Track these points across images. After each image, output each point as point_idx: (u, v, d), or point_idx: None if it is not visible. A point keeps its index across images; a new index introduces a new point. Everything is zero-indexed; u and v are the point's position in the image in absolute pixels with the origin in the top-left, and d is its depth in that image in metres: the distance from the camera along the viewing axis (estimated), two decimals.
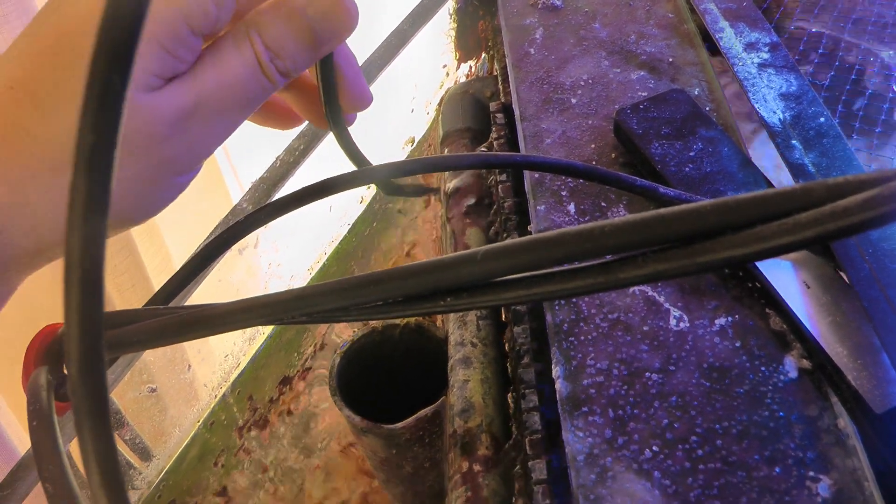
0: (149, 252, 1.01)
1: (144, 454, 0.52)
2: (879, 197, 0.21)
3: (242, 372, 0.60)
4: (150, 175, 0.33)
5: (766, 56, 0.56)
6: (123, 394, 0.48)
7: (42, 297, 0.77)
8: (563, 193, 0.50)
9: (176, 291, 0.38)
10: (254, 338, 0.62)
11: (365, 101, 0.41)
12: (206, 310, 0.30)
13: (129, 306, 0.88)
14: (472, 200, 0.60)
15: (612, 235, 0.24)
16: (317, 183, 0.39)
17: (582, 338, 0.43)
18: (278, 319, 0.29)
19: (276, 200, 0.39)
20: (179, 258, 1.11)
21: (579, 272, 0.26)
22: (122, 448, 0.52)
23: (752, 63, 0.55)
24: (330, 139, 0.61)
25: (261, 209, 0.38)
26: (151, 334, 0.31)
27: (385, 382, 0.60)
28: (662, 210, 0.24)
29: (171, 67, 0.32)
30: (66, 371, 0.39)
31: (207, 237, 0.53)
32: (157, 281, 1.00)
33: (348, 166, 0.50)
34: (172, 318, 0.30)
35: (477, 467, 0.46)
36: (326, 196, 0.39)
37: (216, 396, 0.57)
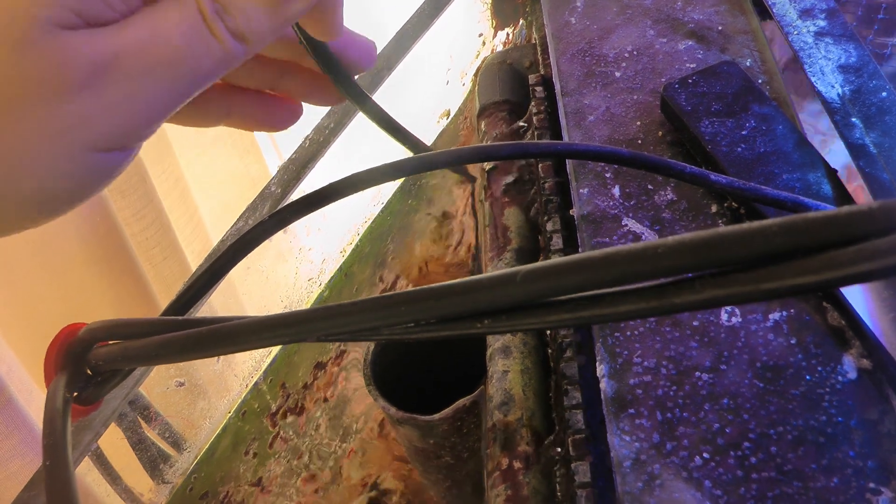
0: (180, 222, 1.00)
1: (176, 447, 0.51)
2: None
3: (275, 359, 0.58)
4: (59, 137, 0.27)
5: (822, 24, 0.53)
6: (151, 389, 0.47)
7: (76, 290, 0.76)
8: (608, 175, 0.48)
9: (196, 297, 0.36)
10: None
11: (370, 54, 0.37)
12: (225, 327, 0.28)
13: (162, 280, 0.88)
14: (510, 178, 0.57)
15: (666, 257, 0.22)
16: (344, 178, 0.37)
17: (628, 333, 0.41)
18: (303, 338, 0.27)
19: (301, 199, 0.37)
20: (213, 227, 1.10)
21: (630, 295, 0.23)
22: (156, 439, 0.51)
23: (808, 32, 0.52)
24: (360, 117, 0.59)
25: (286, 208, 0.37)
26: (170, 349, 0.30)
27: (421, 368, 0.58)
28: (723, 229, 0.22)
29: (96, 9, 0.27)
30: (88, 372, 0.38)
31: (234, 222, 0.51)
32: (190, 251, 0.99)
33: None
34: (191, 334, 0.29)
35: (517, 464, 0.44)
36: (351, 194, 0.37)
37: (247, 386, 0.56)
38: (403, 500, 0.65)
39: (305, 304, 0.62)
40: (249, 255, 0.42)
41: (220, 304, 0.65)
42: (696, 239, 0.22)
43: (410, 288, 0.26)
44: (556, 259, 0.23)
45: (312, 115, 0.59)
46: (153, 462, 0.51)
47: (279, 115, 0.39)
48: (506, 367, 0.48)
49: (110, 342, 0.35)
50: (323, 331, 0.27)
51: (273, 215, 0.37)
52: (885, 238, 0.20)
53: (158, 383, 0.48)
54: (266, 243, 0.43)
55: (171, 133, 0.98)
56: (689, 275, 0.23)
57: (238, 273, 0.53)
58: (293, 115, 0.40)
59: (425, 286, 0.25)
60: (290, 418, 0.59)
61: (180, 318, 0.33)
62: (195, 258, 0.97)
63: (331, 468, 0.61)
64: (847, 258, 0.20)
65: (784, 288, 0.22)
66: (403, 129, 0.43)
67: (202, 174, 1.10)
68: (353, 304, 0.26)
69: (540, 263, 0.23)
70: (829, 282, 0.21)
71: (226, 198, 1.13)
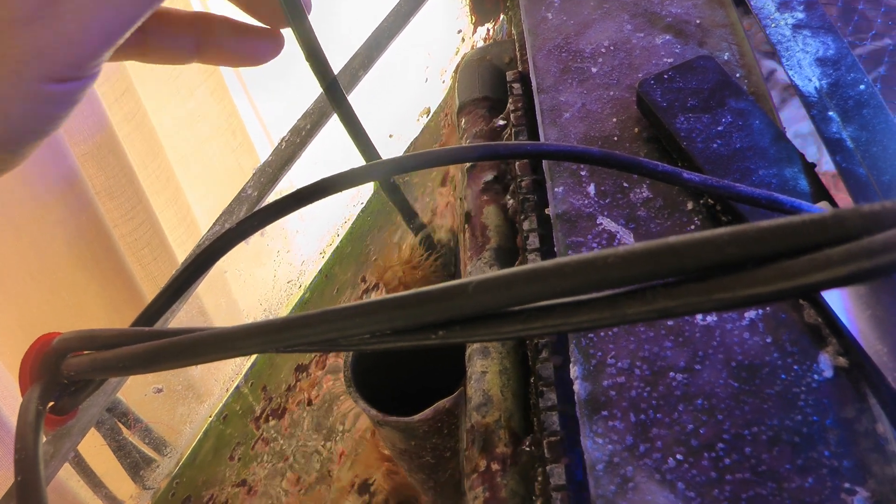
0: (172, 222, 1.00)
1: (158, 451, 0.51)
2: None
3: (255, 362, 0.58)
4: (14, 71, 0.27)
5: (800, 16, 0.52)
6: (129, 395, 0.47)
7: (65, 293, 0.76)
8: (583, 174, 0.47)
9: (166, 307, 0.36)
10: None
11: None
12: (187, 339, 0.28)
13: (152, 280, 0.87)
14: (489, 176, 0.57)
15: (616, 267, 0.22)
16: (314, 183, 0.37)
17: (602, 334, 0.41)
18: (264, 350, 0.27)
19: (271, 204, 0.36)
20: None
21: (583, 306, 0.23)
22: (138, 444, 0.51)
23: (786, 24, 0.52)
24: (335, 120, 0.58)
25: (253, 215, 0.36)
26: (137, 360, 0.30)
27: (404, 369, 0.58)
28: (673, 239, 0.22)
29: None
30: (65, 381, 0.38)
31: (210, 226, 0.51)
32: (182, 251, 0.99)
33: (353, 150, 0.48)
34: (152, 347, 0.29)
35: (495, 466, 0.44)
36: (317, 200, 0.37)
37: (228, 390, 0.55)
38: (391, 498, 0.65)
39: (285, 306, 0.62)
40: (225, 260, 0.42)
41: (211, 305, 0.64)
42: (646, 249, 0.22)
43: (385, 292, 0.26)
44: (507, 269, 0.23)
45: (291, 117, 0.59)
46: (135, 467, 0.51)
47: (259, 47, 0.36)
48: (484, 368, 0.47)
49: (84, 352, 0.35)
50: (283, 342, 0.27)
51: (241, 222, 0.37)
52: (838, 247, 0.20)
53: (136, 390, 0.48)
54: (243, 247, 0.43)
55: (162, 133, 0.97)
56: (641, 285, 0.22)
57: (214, 278, 0.53)
58: (274, 46, 0.36)
59: (380, 298, 0.25)
60: (272, 421, 0.59)
61: (147, 329, 0.33)
62: None
63: (317, 469, 0.61)
64: (798, 268, 0.20)
65: (737, 298, 0.21)
66: (366, 135, 0.42)
67: (195, 172, 1.10)
68: (310, 316, 0.26)
69: (491, 274, 0.23)
70: (781, 292, 0.21)
71: (220, 196, 1.13)
